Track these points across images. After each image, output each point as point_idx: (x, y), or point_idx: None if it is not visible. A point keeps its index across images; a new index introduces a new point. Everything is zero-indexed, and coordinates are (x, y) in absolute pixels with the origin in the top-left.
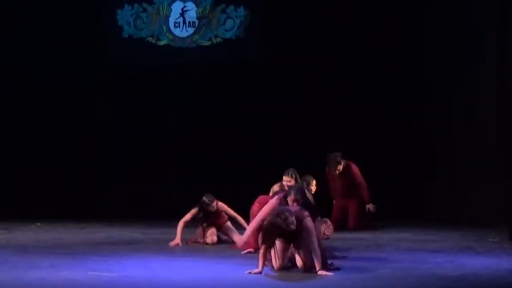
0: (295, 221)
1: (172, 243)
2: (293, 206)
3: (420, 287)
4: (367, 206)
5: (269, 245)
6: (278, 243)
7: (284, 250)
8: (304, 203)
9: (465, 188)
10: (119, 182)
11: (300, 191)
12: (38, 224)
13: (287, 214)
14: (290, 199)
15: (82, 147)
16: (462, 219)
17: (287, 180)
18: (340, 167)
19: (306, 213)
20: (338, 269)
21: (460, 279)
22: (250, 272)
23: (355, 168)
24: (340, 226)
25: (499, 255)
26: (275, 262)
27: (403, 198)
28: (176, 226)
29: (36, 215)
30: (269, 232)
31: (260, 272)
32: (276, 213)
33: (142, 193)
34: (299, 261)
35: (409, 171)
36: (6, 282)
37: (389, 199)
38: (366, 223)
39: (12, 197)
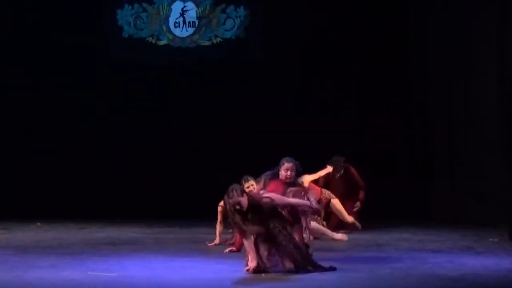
0: (242, 201)
1: (211, 243)
2: (288, 176)
3: (420, 287)
4: (358, 203)
5: (246, 232)
6: (255, 243)
7: (263, 251)
8: (298, 173)
9: (465, 188)
10: (119, 182)
11: (291, 160)
12: (38, 224)
13: (234, 192)
14: (283, 168)
15: (82, 147)
16: (462, 219)
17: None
18: (341, 171)
19: (265, 195)
20: (334, 269)
21: (460, 279)
22: (248, 269)
23: (354, 170)
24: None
25: (499, 255)
26: (251, 263)
27: (403, 198)
28: (175, 226)
29: (36, 215)
30: (232, 217)
31: (256, 265)
32: (227, 191)
33: (142, 193)
34: (288, 263)
35: (409, 171)
36: (6, 282)
37: (389, 199)
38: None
39: (12, 197)
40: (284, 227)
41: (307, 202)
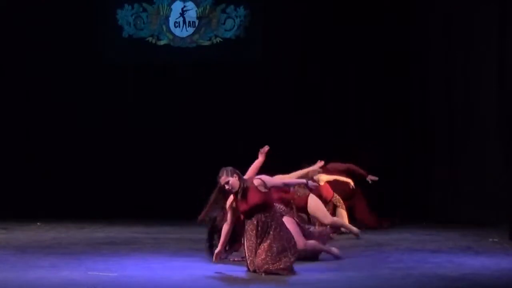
0: (232, 181)
1: None
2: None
3: (420, 287)
4: (368, 178)
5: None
6: (250, 241)
7: (258, 248)
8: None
9: (465, 188)
10: (119, 182)
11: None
12: (38, 224)
13: (224, 172)
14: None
15: (82, 147)
16: (462, 219)
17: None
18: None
19: (256, 177)
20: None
21: (460, 279)
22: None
23: (331, 164)
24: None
25: (499, 255)
26: (249, 261)
27: (403, 198)
28: (176, 225)
29: (36, 215)
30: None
31: (219, 251)
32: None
33: (142, 193)
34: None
35: (409, 171)
36: (6, 282)
37: (389, 199)
38: (381, 220)
39: (12, 196)
40: (272, 219)
41: (303, 181)
